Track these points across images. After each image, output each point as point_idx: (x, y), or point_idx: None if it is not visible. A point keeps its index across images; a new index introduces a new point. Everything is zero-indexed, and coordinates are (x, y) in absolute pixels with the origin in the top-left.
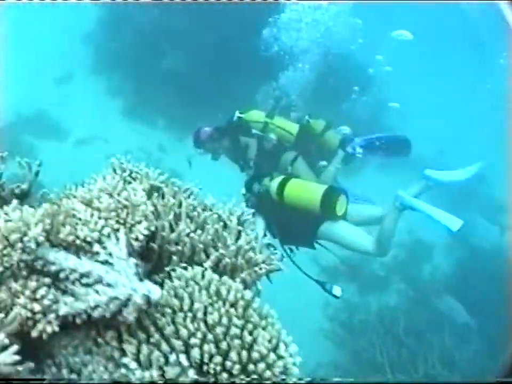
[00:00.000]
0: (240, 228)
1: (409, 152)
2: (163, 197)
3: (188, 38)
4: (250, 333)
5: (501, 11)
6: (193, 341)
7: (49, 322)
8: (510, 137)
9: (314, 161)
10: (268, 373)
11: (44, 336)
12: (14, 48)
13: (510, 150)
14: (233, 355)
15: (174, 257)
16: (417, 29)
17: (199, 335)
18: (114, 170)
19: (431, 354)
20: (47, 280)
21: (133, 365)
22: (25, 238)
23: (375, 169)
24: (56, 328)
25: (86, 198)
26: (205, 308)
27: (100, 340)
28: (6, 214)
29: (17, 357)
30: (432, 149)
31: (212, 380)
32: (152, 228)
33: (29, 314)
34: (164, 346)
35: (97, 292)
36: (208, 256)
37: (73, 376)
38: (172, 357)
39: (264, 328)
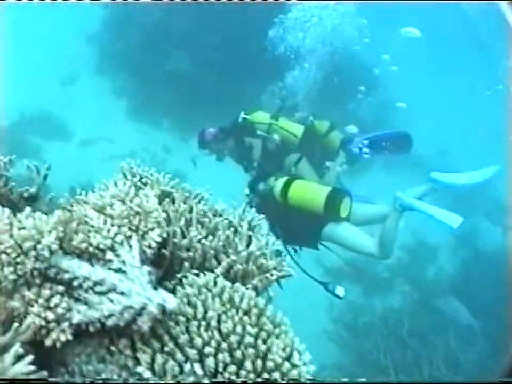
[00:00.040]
0: (250, 233)
1: (411, 148)
2: (173, 202)
3: (192, 38)
4: (264, 342)
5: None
6: (207, 350)
7: (63, 331)
8: None
9: (318, 162)
10: (282, 383)
11: (58, 344)
12: (19, 49)
13: None
14: (247, 364)
15: (186, 264)
16: (426, 27)
17: (213, 343)
18: (125, 175)
19: (435, 356)
20: (61, 288)
21: (147, 374)
22: (39, 246)
23: (379, 169)
24: (70, 337)
25: (98, 205)
26: (219, 316)
27: (113, 348)
28: (19, 221)
29: (32, 367)
30: (436, 149)
31: None
32: (164, 235)
33: (43, 323)
34: (179, 355)
35: (111, 300)
36: (219, 262)
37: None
38: (187, 366)
39: (277, 337)
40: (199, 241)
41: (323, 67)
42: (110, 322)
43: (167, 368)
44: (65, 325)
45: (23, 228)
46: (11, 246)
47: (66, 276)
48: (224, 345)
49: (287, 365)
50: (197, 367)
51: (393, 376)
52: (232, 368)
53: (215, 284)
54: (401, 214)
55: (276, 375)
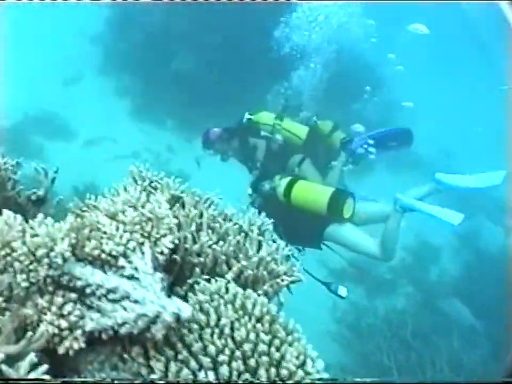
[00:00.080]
0: (261, 238)
1: (411, 142)
2: (183, 207)
3: (197, 38)
4: (278, 349)
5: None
6: (221, 358)
7: (76, 339)
8: None
9: (322, 163)
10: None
11: (71, 352)
12: (23, 49)
13: None
14: (261, 372)
15: (197, 269)
16: (434, 24)
17: (227, 351)
18: (134, 180)
19: (438, 357)
20: (73, 295)
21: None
22: (52, 254)
23: (382, 170)
24: (83, 345)
25: (111, 211)
26: (232, 323)
27: (125, 356)
28: (32, 228)
29: (47, 377)
30: (440, 149)
31: None
32: (176, 241)
33: (56, 331)
34: (193, 364)
35: (124, 308)
36: (229, 268)
37: None
38: (201, 375)
39: (291, 344)
40: (209, 246)
41: (329, 67)
42: (123, 330)
43: (181, 376)
44: (78, 332)
45: (36, 235)
46: (24, 253)
47: (79, 283)
48: (238, 353)
49: (300, 373)
50: (211, 375)
51: (396, 377)
52: (246, 376)
53: (227, 290)
54: (402, 215)
55: (290, 383)
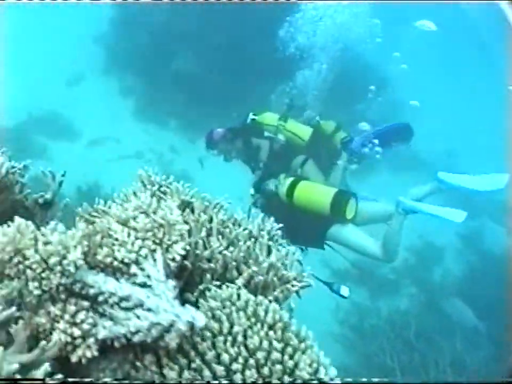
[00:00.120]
0: (270, 243)
1: (411, 137)
2: (192, 211)
3: (199, 38)
4: (291, 357)
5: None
6: (235, 366)
7: (89, 347)
8: None
9: (325, 163)
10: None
11: (83, 361)
12: (27, 49)
13: None
14: (275, 381)
15: (207, 275)
16: (442, 21)
17: (240, 360)
18: (143, 184)
19: (442, 358)
20: (86, 303)
21: None
22: (65, 262)
23: (385, 170)
24: (96, 353)
25: (122, 218)
26: (244, 330)
27: (138, 363)
28: (43, 235)
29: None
30: (443, 150)
31: None
32: (187, 247)
33: (69, 339)
34: (206, 373)
35: (138, 316)
36: (240, 273)
37: None
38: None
39: (304, 352)
40: (220, 252)
41: (333, 66)
42: (136, 339)
43: None
44: (91, 341)
45: (49, 243)
46: (36, 261)
47: (92, 291)
48: (251, 361)
49: (314, 381)
50: None
51: (399, 378)
52: None
53: (239, 297)
54: (404, 218)
55: None
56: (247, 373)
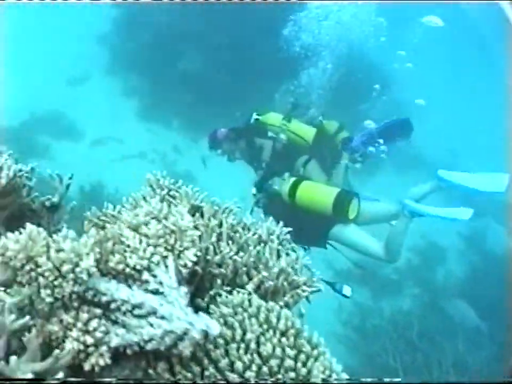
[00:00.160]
0: (280, 247)
1: (411, 132)
2: (202, 216)
3: (203, 38)
4: (304, 365)
5: None
6: (248, 374)
7: (101, 355)
8: None
9: (328, 163)
10: None
11: (96, 369)
12: (30, 49)
13: None
14: None
15: (218, 280)
16: (449, 16)
17: (254, 367)
18: (152, 188)
19: (445, 359)
20: (98, 311)
21: None
22: (77, 269)
23: (388, 170)
24: (108, 361)
25: (133, 223)
26: (257, 337)
27: (150, 371)
28: (55, 241)
29: None
30: (447, 150)
31: None
32: (199, 253)
33: (81, 347)
34: (220, 380)
35: (151, 324)
36: (250, 278)
37: None
38: None
39: (316, 359)
40: (230, 257)
41: (338, 65)
42: (149, 347)
43: None
44: (103, 348)
45: (61, 250)
46: (49, 269)
47: (104, 299)
48: (264, 369)
49: None
50: None
51: (402, 379)
52: None
53: (250, 303)
54: (410, 221)
55: None
56: (261, 380)
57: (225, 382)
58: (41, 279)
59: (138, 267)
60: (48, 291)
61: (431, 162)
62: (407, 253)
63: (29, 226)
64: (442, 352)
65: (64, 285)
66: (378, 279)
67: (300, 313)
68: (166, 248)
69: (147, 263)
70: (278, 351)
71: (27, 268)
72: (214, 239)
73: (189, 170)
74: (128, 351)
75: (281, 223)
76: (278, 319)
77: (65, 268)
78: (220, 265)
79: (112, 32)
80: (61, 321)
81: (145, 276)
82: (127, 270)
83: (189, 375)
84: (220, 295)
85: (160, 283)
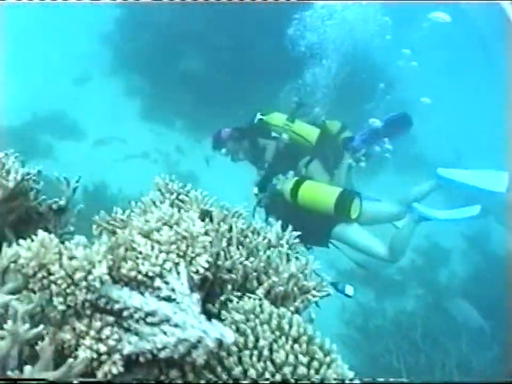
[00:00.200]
0: (289, 252)
1: (411, 126)
2: (211, 220)
3: (206, 38)
4: (317, 372)
5: None
6: (261, 382)
7: (114, 363)
8: None
9: (330, 163)
10: None
11: (109, 376)
12: (33, 49)
13: None
14: None
15: (228, 286)
16: (451, 16)
17: (267, 375)
18: (161, 192)
19: (448, 359)
20: (111, 318)
21: None
22: (90, 277)
23: (390, 170)
24: (121, 369)
25: (144, 229)
26: (270, 344)
27: (163, 377)
28: (67, 248)
29: None
30: (450, 150)
31: None
32: (210, 259)
33: (94, 356)
34: None
35: (164, 332)
36: (260, 283)
37: None
38: None
39: (329, 366)
40: (240, 262)
41: (343, 64)
42: (163, 355)
43: None
44: (116, 357)
45: (73, 257)
46: (61, 277)
47: (117, 306)
48: (278, 376)
49: None
50: None
51: (405, 379)
52: None
53: (262, 309)
54: (417, 224)
55: None
56: None
57: None
58: (53, 287)
59: (150, 274)
60: (61, 299)
61: (434, 162)
62: (410, 253)
63: (40, 233)
64: (446, 353)
65: (77, 292)
66: (381, 280)
67: (310, 318)
68: (178, 255)
69: (159, 269)
70: (291, 358)
71: (39, 275)
72: (224, 244)
73: (192, 170)
74: (141, 359)
75: (290, 227)
76: (290, 325)
77: (78, 275)
78: (230, 271)
79: (114, 32)
80: (74, 329)
81: (157, 282)
82: (139, 277)
83: (202, 382)
84: (231, 301)
85: (172, 290)
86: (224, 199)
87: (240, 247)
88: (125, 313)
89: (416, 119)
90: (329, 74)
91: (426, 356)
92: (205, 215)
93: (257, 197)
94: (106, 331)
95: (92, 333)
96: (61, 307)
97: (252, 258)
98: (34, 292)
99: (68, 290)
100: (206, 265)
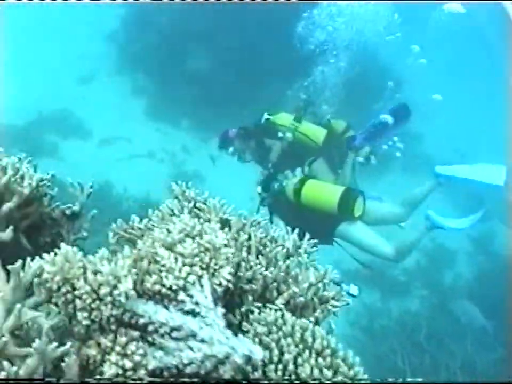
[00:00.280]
0: (307, 260)
1: (410, 116)
2: (230, 229)
3: (212, 38)
4: None
5: None
6: None
7: (140, 379)
8: None
9: (336, 163)
10: None
11: None
12: (39, 48)
13: None
14: None
15: (248, 296)
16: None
17: None
18: (178, 199)
19: (453, 360)
20: (136, 333)
21: None
22: (115, 292)
23: (395, 170)
24: None
25: (167, 242)
26: (294, 358)
27: None
28: (91, 263)
29: None
30: (452, 149)
31: None
32: (233, 270)
33: (120, 372)
34: None
35: (190, 347)
36: (279, 293)
37: None
38: None
39: (353, 379)
40: (260, 272)
41: (352, 62)
42: (189, 370)
43: None
44: (141, 372)
45: (98, 272)
46: (86, 292)
47: (142, 321)
48: None
49: None
50: None
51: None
52: None
53: (284, 320)
54: (429, 231)
55: None
56: None
57: None
58: (77, 301)
59: (174, 287)
60: (85, 313)
61: (441, 163)
62: (415, 254)
63: (64, 247)
64: (450, 353)
65: (102, 307)
66: (386, 280)
67: (330, 329)
68: (201, 267)
69: (183, 283)
70: (316, 372)
71: (63, 290)
72: (244, 254)
73: (198, 170)
74: (165, 374)
75: (307, 235)
76: (314, 338)
77: (103, 290)
78: (250, 281)
79: (120, 31)
80: (99, 344)
81: (181, 296)
82: (163, 290)
83: None
84: (252, 312)
85: (196, 303)
86: (230, 199)
87: (259, 256)
88: (150, 328)
89: (421, 117)
90: (338, 72)
91: (431, 357)
92: (224, 224)
93: (261, 196)
94: (132, 346)
95: (118, 348)
96: (86, 322)
97: (271, 268)
98: (57, 306)
99: (93, 305)
100: (229, 277)
